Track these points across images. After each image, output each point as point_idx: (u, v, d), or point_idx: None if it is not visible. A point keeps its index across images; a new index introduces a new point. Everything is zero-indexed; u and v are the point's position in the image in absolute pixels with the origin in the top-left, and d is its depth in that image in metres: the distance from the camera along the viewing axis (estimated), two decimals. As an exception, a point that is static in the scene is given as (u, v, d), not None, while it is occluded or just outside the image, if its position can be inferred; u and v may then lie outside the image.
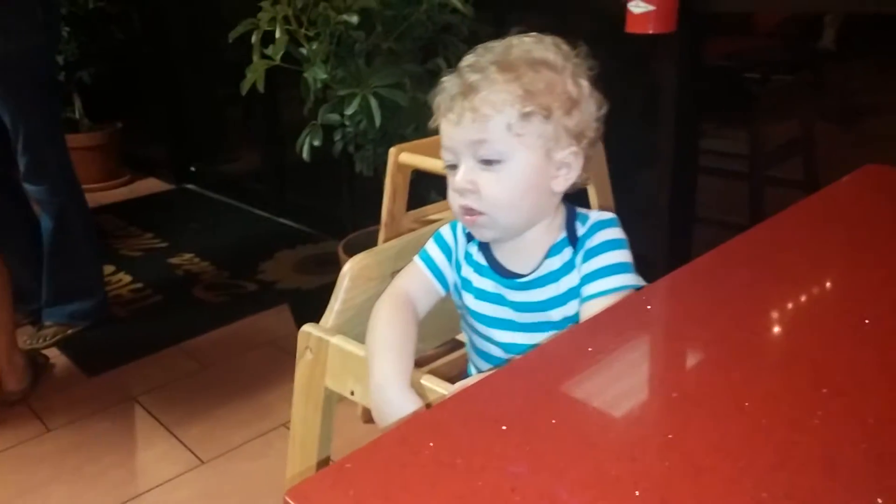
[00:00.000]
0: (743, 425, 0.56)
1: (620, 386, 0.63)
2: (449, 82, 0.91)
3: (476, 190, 0.89)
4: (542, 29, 0.95)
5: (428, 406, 0.86)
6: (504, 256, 0.97)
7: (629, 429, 0.58)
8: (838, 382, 0.60)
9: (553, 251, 0.94)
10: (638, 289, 0.89)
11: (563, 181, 0.91)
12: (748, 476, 0.51)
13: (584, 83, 0.91)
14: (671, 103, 1.95)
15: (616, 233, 0.93)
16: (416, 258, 1.03)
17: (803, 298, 0.79)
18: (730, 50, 2.11)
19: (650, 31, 1.74)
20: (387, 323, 0.95)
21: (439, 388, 0.87)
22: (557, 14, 2.12)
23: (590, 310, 0.88)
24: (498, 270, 0.97)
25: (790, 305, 0.77)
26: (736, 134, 2.16)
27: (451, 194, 0.93)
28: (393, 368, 0.89)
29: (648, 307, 0.76)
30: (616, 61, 2.16)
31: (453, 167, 0.92)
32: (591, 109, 0.91)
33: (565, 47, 0.92)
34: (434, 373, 0.91)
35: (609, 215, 0.96)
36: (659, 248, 2.08)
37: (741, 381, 0.61)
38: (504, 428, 0.57)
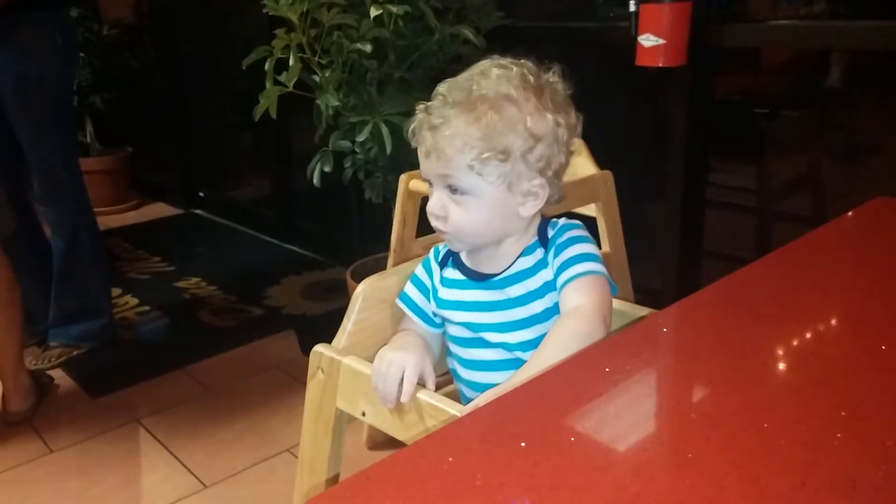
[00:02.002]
0: (762, 446, 0.56)
1: (638, 406, 0.63)
2: (420, 115, 0.96)
3: (445, 216, 0.96)
4: (563, 64, 0.98)
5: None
6: (476, 263, 1.03)
7: (648, 448, 0.58)
8: (857, 405, 0.60)
9: (525, 252, 1.00)
10: (613, 289, 0.96)
11: (531, 207, 0.97)
12: (769, 496, 0.50)
13: (550, 117, 0.93)
14: (680, 136, 1.97)
15: (582, 231, 1.00)
16: (397, 301, 1.08)
17: (818, 324, 0.79)
18: (739, 85, 2.13)
19: (660, 65, 1.76)
20: (400, 333, 1.06)
21: (451, 409, 0.87)
22: (568, 46, 2.15)
23: (565, 295, 0.94)
24: (472, 277, 1.03)
25: (806, 330, 0.77)
26: (744, 168, 2.17)
27: (427, 212, 1.00)
28: (415, 336, 1.03)
29: (664, 330, 0.76)
30: (626, 94, 2.19)
31: (431, 185, 0.99)
32: (559, 138, 0.95)
33: (532, 78, 0.95)
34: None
35: (576, 221, 1.02)
36: (668, 280, 2.08)
37: (759, 402, 0.61)
38: (523, 444, 0.57)
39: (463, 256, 1.05)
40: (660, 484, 0.53)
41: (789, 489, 0.51)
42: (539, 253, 1.00)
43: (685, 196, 2.00)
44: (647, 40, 1.73)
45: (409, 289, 1.08)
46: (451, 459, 0.55)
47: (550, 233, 1.00)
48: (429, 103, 0.97)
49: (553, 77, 0.97)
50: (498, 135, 0.91)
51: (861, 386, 0.64)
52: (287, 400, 2.07)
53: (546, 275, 0.98)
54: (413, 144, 0.99)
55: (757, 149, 2.10)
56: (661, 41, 1.71)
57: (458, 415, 0.84)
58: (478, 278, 1.02)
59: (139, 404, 2.11)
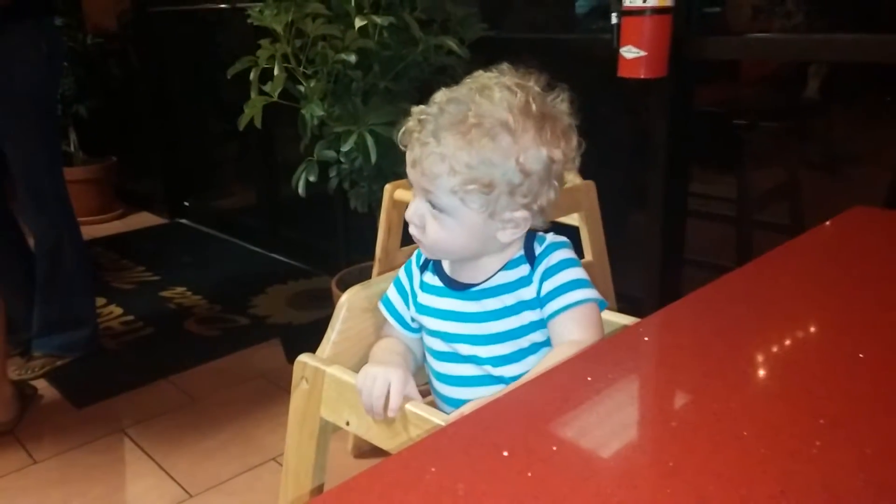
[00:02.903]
0: (743, 454, 0.56)
1: (620, 414, 0.64)
2: (412, 123, 0.93)
3: (422, 227, 0.95)
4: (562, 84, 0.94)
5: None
6: (458, 272, 1.01)
7: (630, 456, 0.59)
8: (835, 413, 0.61)
9: (509, 265, 0.98)
10: (601, 304, 0.94)
11: (510, 234, 0.94)
12: None
13: (545, 152, 0.89)
14: (662, 147, 1.99)
15: (571, 253, 0.97)
16: (379, 305, 1.08)
17: (797, 332, 0.80)
18: (719, 96, 2.15)
19: (641, 76, 1.78)
20: (381, 345, 1.05)
21: (434, 419, 0.87)
22: (551, 57, 2.17)
23: (559, 323, 0.93)
24: (451, 285, 1.01)
25: (785, 338, 0.78)
26: (724, 178, 2.19)
27: (406, 217, 0.98)
28: (388, 348, 1.03)
29: (646, 339, 0.77)
30: (608, 105, 2.21)
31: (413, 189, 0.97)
32: (552, 174, 0.91)
33: (536, 105, 0.90)
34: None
35: (562, 238, 0.99)
36: (649, 289, 2.09)
37: (739, 410, 0.62)
38: (505, 454, 0.58)
39: (444, 263, 1.03)
40: (642, 493, 0.53)
41: (769, 497, 0.52)
42: (524, 269, 0.97)
43: (666, 205, 2.02)
44: (628, 52, 1.75)
45: (391, 292, 1.07)
46: (433, 469, 0.56)
47: (538, 249, 0.97)
48: (424, 112, 0.93)
49: (559, 102, 0.93)
50: (486, 166, 0.88)
51: (839, 394, 0.65)
52: (272, 409, 2.07)
53: (526, 293, 0.96)
54: (401, 147, 0.96)
55: (737, 159, 2.12)
56: (643, 53, 1.73)
57: (442, 424, 0.84)
58: (455, 287, 1.00)
59: (124, 414, 2.10)
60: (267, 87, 1.90)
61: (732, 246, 2.18)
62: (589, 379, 0.69)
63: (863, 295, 0.87)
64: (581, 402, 0.66)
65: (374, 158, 1.88)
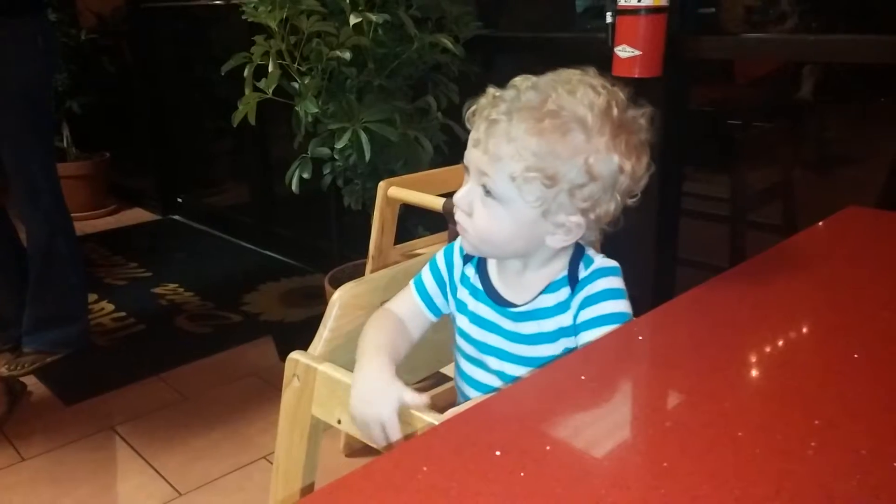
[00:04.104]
0: (737, 455, 0.56)
1: (614, 414, 0.64)
2: (485, 101, 0.88)
3: (470, 213, 0.89)
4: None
5: (413, 434, 0.86)
6: (501, 284, 0.97)
7: (624, 457, 0.58)
8: (830, 414, 0.61)
9: (550, 288, 0.93)
10: None
11: (560, 240, 0.89)
12: (742, 505, 0.51)
13: (616, 160, 0.84)
14: (656, 146, 1.98)
15: (617, 282, 0.92)
16: (411, 283, 1.04)
17: (791, 332, 0.80)
18: (713, 96, 2.15)
19: (636, 75, 1.77)
20: (376, 328, 0.99)
21: (427, 417, 0.86)
22: (546, 56, 2.16)
23: None
24: (493, 297, 0.97)
25: (779, 338, 0.78)
26: (718, 178, 2.19)
27: (454, 200, 0.93)
28: (378, 354, 0.92)
29: (640, 338, 0.77)
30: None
31: (467, 173, 0.91)
32: (617, 184, 0.86)
33: (617, 111, 0.85)
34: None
35: (612, 263, 0.94)
36: (643, 289, 2.09)
37: (734, 411, 0.62)
38: (498, 454, 0.57)
39: (490, 268, 0.98)
40: (635, 493, 0.53)
41: (764, 498, 0.51)
42: (564, 293, 0.92)
43: (660, 205, 2.01)
44: (623, 51, 1.74)
45: (426, 276, 1.03)
46: (425, 469, 0.55)
47: (582, 272, 0.92)
48: (500, 92, 0.88)
49: (640, 117, 0.88)
50: (553, 158, 0.82)
51: (834, 394, 0.64)
52: (264, 407, 2.06)
53: (564, 319, 0.92)
54: (467, 126, 0.91)
55: (731, 159, 2.13)
56: (637, 52, 1.73)
57: (435, 423, 0.83)
58: (499, 301, 0.96)
59: (114, 412, 2.08)
60: (261, 84, 1.89)
61: (726, 245, 2.18)
62: (582, 378, 0.68)
63: (857, 295, 0.87)
64: (574, 401, 0.66)
65: (368, 156, 1.87)
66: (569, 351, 0.92)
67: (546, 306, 0.93)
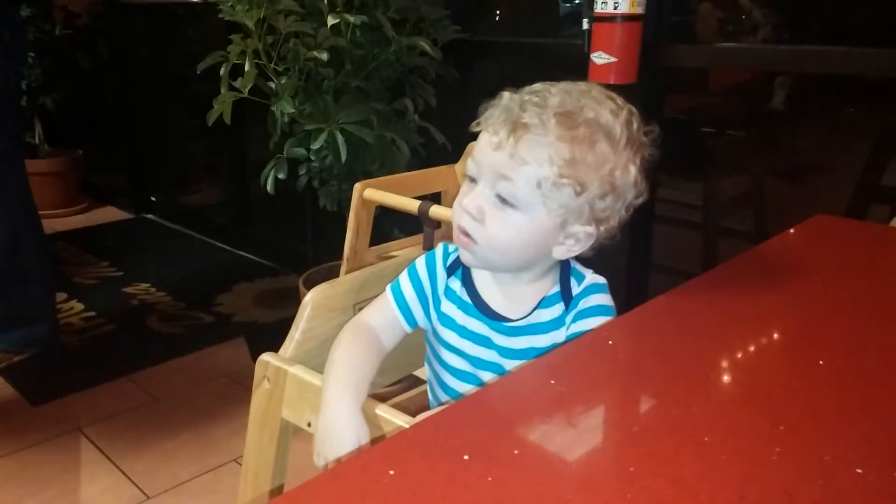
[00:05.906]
0: (703, 460, 0.56)
1: (582, 418, 0.64)
2: (506, 102, 0.85)
3: (480, 220, 0.86)
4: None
5: (382, 437, 0.85)
6: (491, 298, 0.94)
7: (591, 461, 0.58)
8: (795, 420, 0.61)
9: (545, 303, 0.92)
10: None
11: (566, 251, 0.88)
12: (707, 509, 0.51)
13: (634, 173, 0.85)
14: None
15: (607, 299, 0.92)
16: (388, 291, 0.99)
17: (759, 338, 0.81)
18: (687, 105, 2.18)
19: (612, 82, 1.78)
20: (345, 348, 0.93)
21: (397, 420, 0.86)
22: (523, 62, 2.17)
23: None
24: (484, 311, 0.94)
25: (746, 345, 0.79)
26: (691, 185, 2.22)
27: (456, 208, 0.88)
28: (345, 391, 0.88)
29: (610, 342, 0.77)
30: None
31: (472, 181, 0.87)
32: (627, 198, 0.87)
33: (635, 127, 0.86)
34: (393, 408, 0.91)
35: (601, 280, 0.94)
36: (615, 293, 2.10)
37: (701, 415, 0.62)
38: (466, 458, 0.57)
39: (476, 280, 0.95)
40: (601, 497, 0.53)
41: (729, 503, 0.52)
42: (558, 309, 0.92)
43: (634, 210, 2.03)
44: (599, 58, 1.75)
45: (405, 286, 0.97)
46: (392, 472, 0.55)
47: (575, 288, 0.92)
48: (520, 94, 0.85)
49: (650, 134, 0.88)
50: (584, 166, 0.81)
51: (799, 400, 0.65)
52: (235, 409, 2.04)
53: (558, 336, 0.91)
54: (474, 127, 0.88)
55: (704, 166, 2.15)
56: (613, 59, 1.74)
57: (405, 426, 0.83)
58: (491, 315, 0.93)
59: (81, 413, 2.06)
60: (237, 83, 1.88)
61: (698, 251, 2.20)
62: (552, 382, 0.69)
63: (824, 302, 0.88)
64: (543, 405, 0.66)
65: (344, 157, 1.87)
66: None
67: (542, 321, 0.92)
